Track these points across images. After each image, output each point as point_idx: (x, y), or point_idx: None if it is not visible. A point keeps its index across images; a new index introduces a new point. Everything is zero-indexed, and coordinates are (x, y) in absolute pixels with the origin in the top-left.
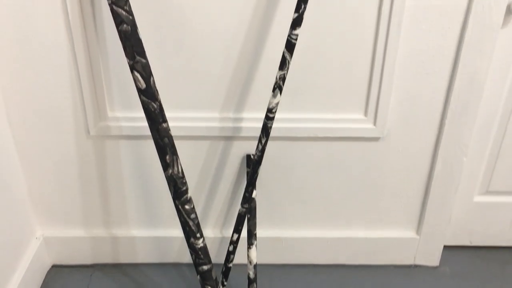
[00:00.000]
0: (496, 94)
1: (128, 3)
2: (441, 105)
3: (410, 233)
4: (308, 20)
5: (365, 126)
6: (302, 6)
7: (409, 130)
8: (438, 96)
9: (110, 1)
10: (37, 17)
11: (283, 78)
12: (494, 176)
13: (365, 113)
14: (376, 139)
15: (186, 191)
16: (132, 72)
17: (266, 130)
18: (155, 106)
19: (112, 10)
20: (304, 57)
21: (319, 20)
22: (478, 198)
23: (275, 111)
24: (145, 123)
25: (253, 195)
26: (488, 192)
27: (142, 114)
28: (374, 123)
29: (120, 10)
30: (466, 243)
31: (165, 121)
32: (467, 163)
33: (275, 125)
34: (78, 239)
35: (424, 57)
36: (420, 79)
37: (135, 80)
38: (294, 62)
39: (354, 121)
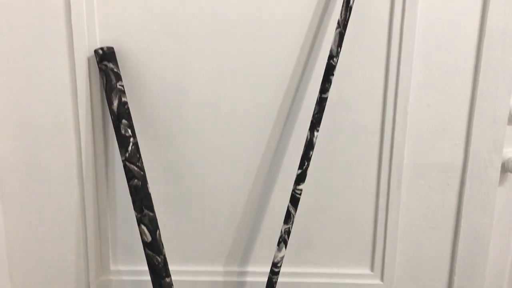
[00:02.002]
0: (503, 250)
1: (140, 160)
2: (448, 261)
3: None
4: (312, 175)
5: (372, 282)
6: (306, 163)
7: (417, 286)
8: (444, 251)
9: (123, 158)
10: (52, 169)
11: (288, 232)
12: None
13: (372, 268)
14: None
15: None
16: (139, 225)
17: (271, 285)
18: (159, 260)
19: (125, 166)
20: (309, 211)
21: (322, 176)
22: None
23: (280, 265)
24: (147, 277)
25: None
26: None
27: (145, 267)
28: (381, 279)
29: (132, 166)
30: None
31: (168, 275)
32: None
33: (280, 279)
34: None
35: (426, 211)
36: (424, 233)
37: (141, 233)
38: (299, 215)
39: (361, 276)
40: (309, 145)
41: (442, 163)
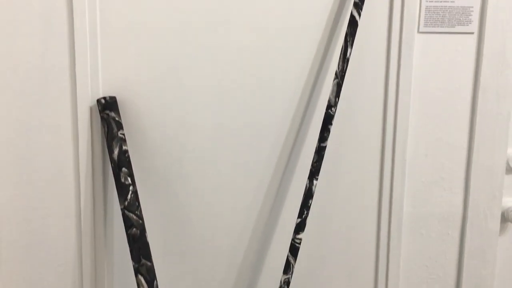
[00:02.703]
0: None
1: (139, 208)
2: None
3: None
4: (311, 225)
5: None
6: (305, 212)
7: None
8: None
9: (122, 206)
10: (50, 218)
11: (287, 282)
12: None
13: None
14: None
15: None
16: (136, 275)
17: None
18: None
19: (123, 214)
20: (309, 261)
21: (321, 226)
22: None
23: None
24: None
25: None
26: None
27: None
28: None
29: (131, 215)
30: None
31: None
32: None
33: None
34: None
35: (428, 262)
36: (425, 284)
37: (138, 284)
38: (298, 265)
39: None
40: (308, 194)
41: (442, 212)
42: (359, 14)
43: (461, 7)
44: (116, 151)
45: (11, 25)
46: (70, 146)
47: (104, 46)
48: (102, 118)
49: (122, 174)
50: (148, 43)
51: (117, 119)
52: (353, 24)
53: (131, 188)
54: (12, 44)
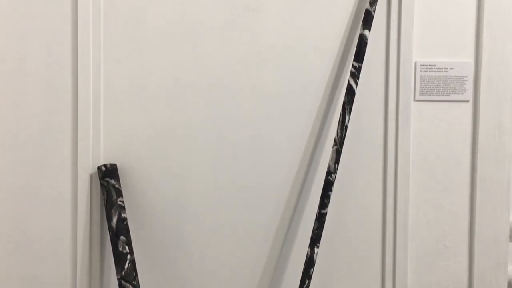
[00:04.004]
0: None
1: (136, 278)
2: None
3: None
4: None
5: None
6: (306, 282)
7: None
8: None
9: (119, 276)
10: (46, 285)
11: None
12: None
13: None
14: None
15: None
16: None
17: None
18: None
19: (120, 285)
20: None
21: None
22: None
23: None
24: None
25: None
26: None
27: None
28: None
29: (128, 285)
30: None
31: None
32: None
33: None
34: None
35: None
36: None
37: None
38: None
39: None
40: (310, 263)
41: (447, 281)
42: (356, 83)
43: (455, 76)
44: (114, 219)
45: (16, 93)
46: (68, 213)
47: (106, 114)
48: (102, 185)
49: (120, 243)
50: (149, 112)
51: (116, 186)
52: (350, 93)
53: (128, 257)
54: (15, 111)
